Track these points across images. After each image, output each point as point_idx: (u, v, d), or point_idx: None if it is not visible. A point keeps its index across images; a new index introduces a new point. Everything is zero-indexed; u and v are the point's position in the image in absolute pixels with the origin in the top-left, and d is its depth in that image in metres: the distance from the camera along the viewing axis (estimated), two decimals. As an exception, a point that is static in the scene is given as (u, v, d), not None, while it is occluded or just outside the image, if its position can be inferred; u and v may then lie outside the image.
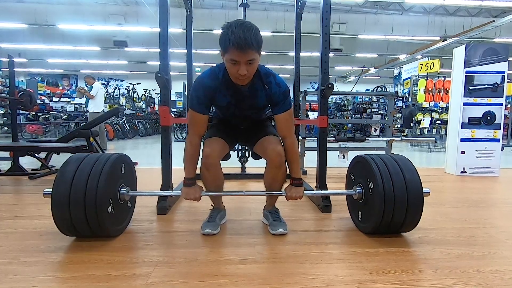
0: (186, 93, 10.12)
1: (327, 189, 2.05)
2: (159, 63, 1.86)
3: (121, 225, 1.54)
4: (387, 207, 1.39)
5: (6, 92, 9.44)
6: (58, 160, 3.74)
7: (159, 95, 13.98)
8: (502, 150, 6.90)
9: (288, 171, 1.55)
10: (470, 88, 3.29)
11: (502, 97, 3.28)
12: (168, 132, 1.93)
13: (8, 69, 2.83)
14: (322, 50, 1.93)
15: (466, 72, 3.27)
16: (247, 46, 1.22)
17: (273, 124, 1.68)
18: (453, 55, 3.44)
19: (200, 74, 1.46)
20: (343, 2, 10.93)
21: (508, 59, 3.24)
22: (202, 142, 1.55)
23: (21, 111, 8.90)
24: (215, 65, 1.45)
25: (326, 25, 1.94)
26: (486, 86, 3.27)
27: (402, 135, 9.45)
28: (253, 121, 1.66)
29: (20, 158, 3.19)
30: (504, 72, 3.26)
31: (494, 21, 8.61)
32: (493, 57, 3.22)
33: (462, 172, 3.37)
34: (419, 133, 7.92)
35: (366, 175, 1.54)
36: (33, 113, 6.72)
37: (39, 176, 2.99)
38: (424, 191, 1.43)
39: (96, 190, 1.31)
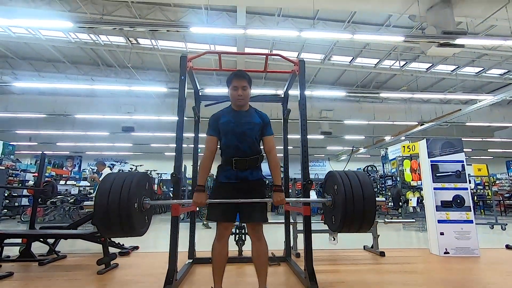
0: (187, 175, 10.62)
1: (314, 274, 2.29)
2: (174, 165, 2.36)
3: (142, 229, 1.98)
4: (348, 201, 1.95)
5: (14, 176, 9.92)
6: (64, 245, 3.93)
7: (159, 175, 14.47)
8: (492, 228, 7.10)
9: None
10: (437, 175, 3.80)
11: (466, 182, 3.76)
12: (177, 221, 2.30)
13: (39, 163, 3.31)
14: (302, 158, 2.46)
15: (431, 161, 3.83)
16: (242, 76, 2.11)
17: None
18: (418, 147, 4.05)
19: None
20: (329, 95, 12.45)
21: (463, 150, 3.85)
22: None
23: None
24: None
25: (304, 135, 2.51)
26: (450, 173, 3.79)
27: (398, 213, 9.68)
28: (251, 159, 2.09)
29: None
30: (462, 161, 3.82)
31: (461, 109, 9.80)
32: (451, 149, 3.83)
33: (445, 253, 3.60)
34: (411, 211, 8.18)
35: (333, 183, 2.13)
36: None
37: (48, 262, 3.18)
38: (378, 199, 1.95)
39: (129, 190, 1.85)
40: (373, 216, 1.96)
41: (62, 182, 9.04)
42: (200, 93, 3.46)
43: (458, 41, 5.49)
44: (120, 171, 11.56)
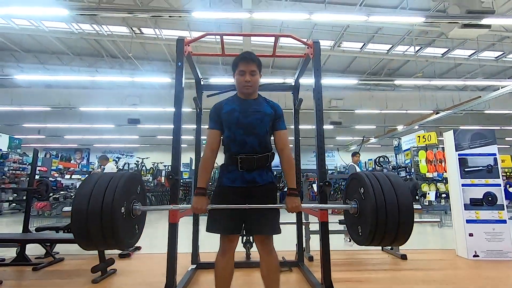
0: (192, 167, 10.43)
1: (331, 284, 2.00)
2: (171, 165, 2.07)
3: (131, 239, 1.64)
4: (379, 210, 1.54)
5: (21, 170, 9.87)
6: (63, 245, 3.73)
7: (166, 167, 14.32)
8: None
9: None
10: (466, 170, 3.42)
11: (499, 178, 3.37)
12: (175, 229, 2.02)
13: (32, 159, 3.10)
14: (318, 155, 2.13)
15: (459, 155, 3.45)
16: (250, 59, 1.78)
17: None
18: (443, 138, 3.67)
19: None
20: (339, 83, 11.96)
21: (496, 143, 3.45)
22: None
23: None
24: None
25: (320, 127, 2.18)
26: (481, 168, 3.40)
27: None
28: (260, 144, 1.77)
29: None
30: (495, 154, 3.43)
31: (480, 96, 9.23)
32: (482, 141, 3.44)
33: (474, 256, 3.26)
34: (427, 204, 7.78)
35: (359, 186, 1.73)
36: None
37: (43, 266, 2.97)
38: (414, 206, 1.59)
39: (114, 193, 1.50)
40: (410, 228, 1.56)
41: (67, 176, 8.93)
42: (202, 82, 3.13)
43: (485, 21, 4.98)
44: (126, 164, 11.44)
